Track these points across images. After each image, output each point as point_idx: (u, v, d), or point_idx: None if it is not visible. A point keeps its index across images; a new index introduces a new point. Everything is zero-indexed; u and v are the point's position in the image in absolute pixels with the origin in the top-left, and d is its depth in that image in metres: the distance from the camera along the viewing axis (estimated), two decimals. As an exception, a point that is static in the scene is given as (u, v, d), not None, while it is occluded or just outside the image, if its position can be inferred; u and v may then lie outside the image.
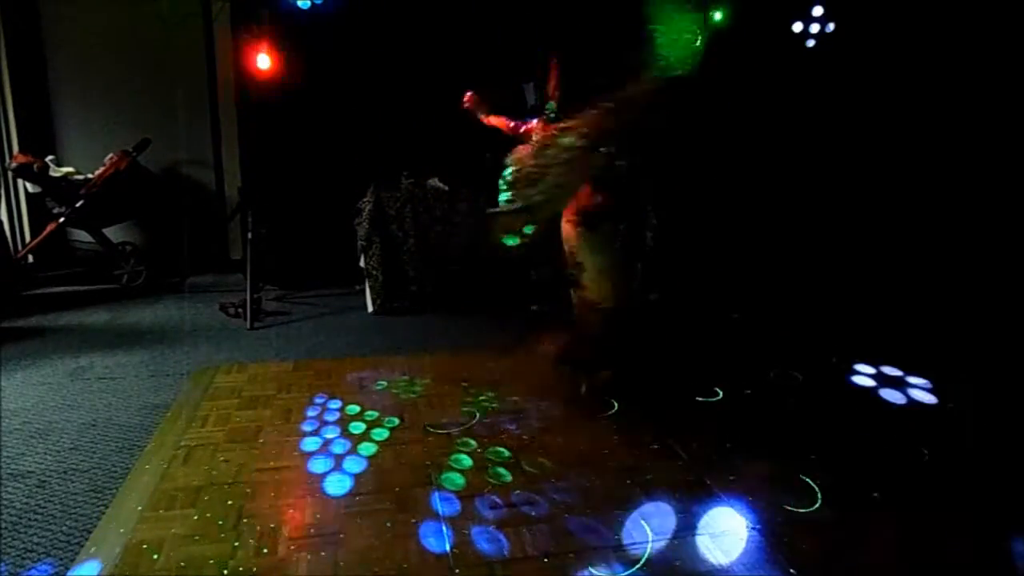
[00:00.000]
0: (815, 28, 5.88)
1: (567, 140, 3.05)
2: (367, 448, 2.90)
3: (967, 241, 5.50)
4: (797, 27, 5.90)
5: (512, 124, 3.76)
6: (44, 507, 2.43)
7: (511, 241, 3.18)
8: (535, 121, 3.56)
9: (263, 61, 5.23)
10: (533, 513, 2.44)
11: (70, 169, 5.47)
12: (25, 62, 5.69)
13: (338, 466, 2.75)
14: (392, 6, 5.58)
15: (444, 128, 5.47)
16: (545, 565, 2.16)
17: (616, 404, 3.35)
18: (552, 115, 3.36)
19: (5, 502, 2.45)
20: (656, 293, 4.92)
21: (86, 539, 2.25)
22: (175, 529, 2.29)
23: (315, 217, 5.64)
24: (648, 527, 2.36)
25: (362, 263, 5.09)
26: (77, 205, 5.30)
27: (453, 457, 2.83)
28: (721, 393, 3.55)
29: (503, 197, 3.09)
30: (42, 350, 4.04)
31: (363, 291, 5.19)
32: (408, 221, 5.03)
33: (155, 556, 2.16)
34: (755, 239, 5.94)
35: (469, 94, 4.02)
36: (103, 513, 2.39)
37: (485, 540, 2.28)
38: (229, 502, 2.46)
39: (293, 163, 5.69)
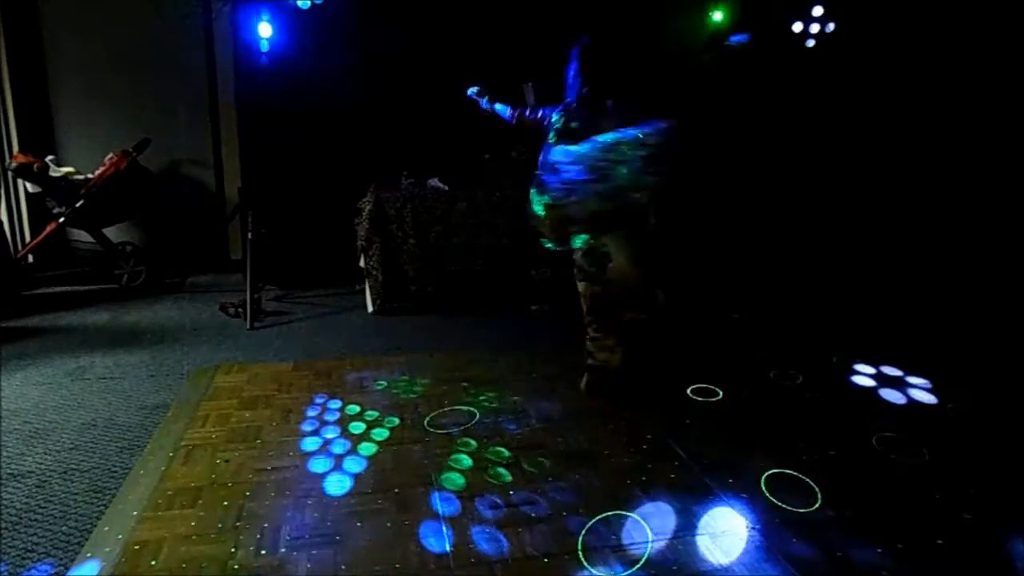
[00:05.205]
0: (815, 28, 5.88)
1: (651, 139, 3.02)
2: (367, 448, 2.90)
3: (967, 241, 5.50)
4: (797, 27, 5.91)
5: (516, 112, 3.66)
6: (44, 507, 2.43)
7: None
8: (546, 112, 3.44)
9: (263, 60, 5.23)
10: (533, 513, 2.44)
11: (70, 169, 5.47)
12: (25, 62, 5.69)
13: (338, 466, 2.75)
14: (392, 6, 5.58)
15: (444, 128, 5.48)
16: (545, 565, 2.16)
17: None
18: (580, 104, 3.28)
19: (5, 502, 2.46)
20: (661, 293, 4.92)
21: (86, 539, 2.25)
22: (175, 529, 2.29)
23: (315, 217, 5.63)
24: (648, 527, 2.36)
25: (362, 263, 5.09)
26: (77, 205, 5.30)
27: (453, 457, 2.83)
28: (721, 393, 3.55)
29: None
30: (42, 350, 4.04)
31: (363, 291, 5.19)
32: (408, 221, 5.02)
33: (155, 556, 2.16)
34: (755, 239, 5.94)
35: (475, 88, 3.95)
36: (103, 513, 2.39)
37: (485, 540, 2.28)
38: (229, 502, 2.46)
39: (293, 163, 5.69)
